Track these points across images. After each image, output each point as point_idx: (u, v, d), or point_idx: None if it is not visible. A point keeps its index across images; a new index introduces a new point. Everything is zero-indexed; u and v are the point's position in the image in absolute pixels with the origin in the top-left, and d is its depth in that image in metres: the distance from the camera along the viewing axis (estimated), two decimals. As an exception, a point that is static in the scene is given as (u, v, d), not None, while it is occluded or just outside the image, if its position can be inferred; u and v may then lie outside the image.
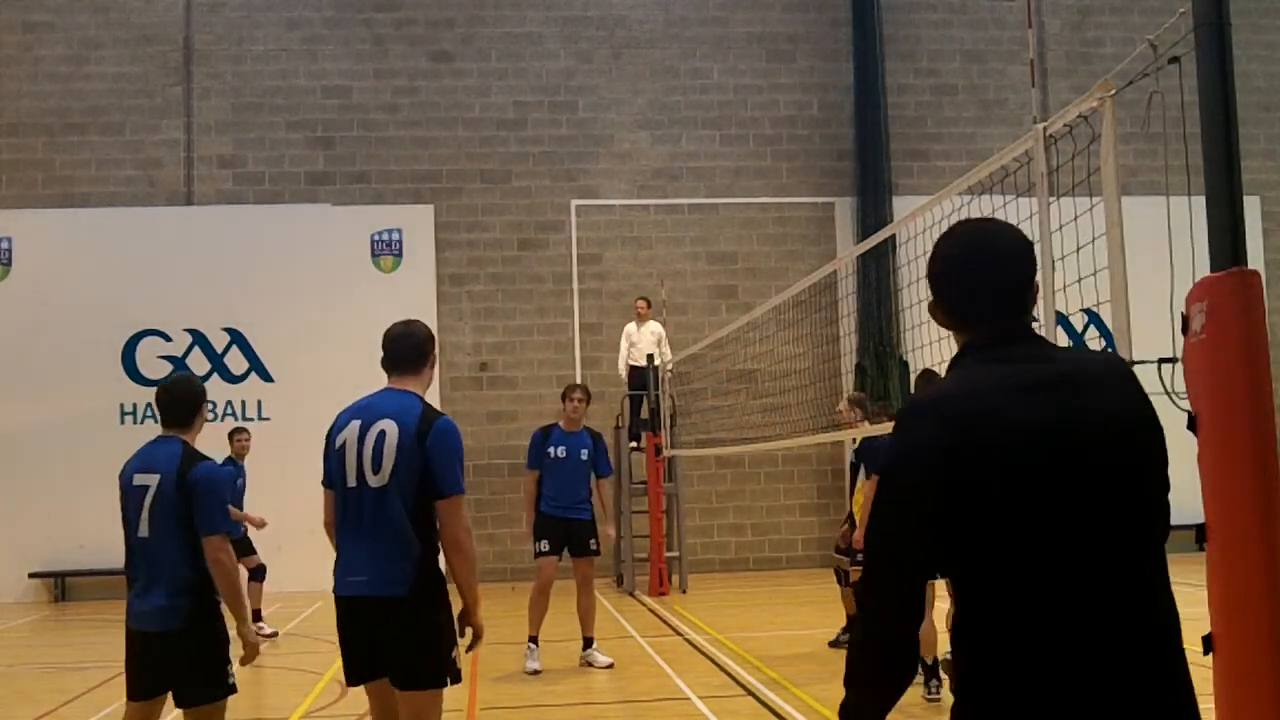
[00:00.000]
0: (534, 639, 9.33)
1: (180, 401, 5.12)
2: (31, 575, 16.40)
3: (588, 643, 9.61)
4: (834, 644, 9.68)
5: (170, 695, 5.00)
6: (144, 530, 4.92)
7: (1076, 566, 2.06)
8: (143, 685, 4.94)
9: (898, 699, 2.21)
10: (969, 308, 2.28)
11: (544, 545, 9.37)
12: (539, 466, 9.52)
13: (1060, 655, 2.05)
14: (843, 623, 9.85)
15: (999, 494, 2.06)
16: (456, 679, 4.59)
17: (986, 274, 2.26)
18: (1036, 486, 2.06)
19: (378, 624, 4.53)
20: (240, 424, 12.47)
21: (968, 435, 2.07)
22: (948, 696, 7.63)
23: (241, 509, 11.92)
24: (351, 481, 4.58)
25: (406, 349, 4.80)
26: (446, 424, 4.59)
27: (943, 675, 7.76)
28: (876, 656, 2.17)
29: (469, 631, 4.77)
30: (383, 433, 4.55)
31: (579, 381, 17.36)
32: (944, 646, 7.73)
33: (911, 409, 2.21)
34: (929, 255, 2.39)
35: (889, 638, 2.16)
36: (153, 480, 4.93)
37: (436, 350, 5.00)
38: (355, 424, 4.63)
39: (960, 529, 2.08)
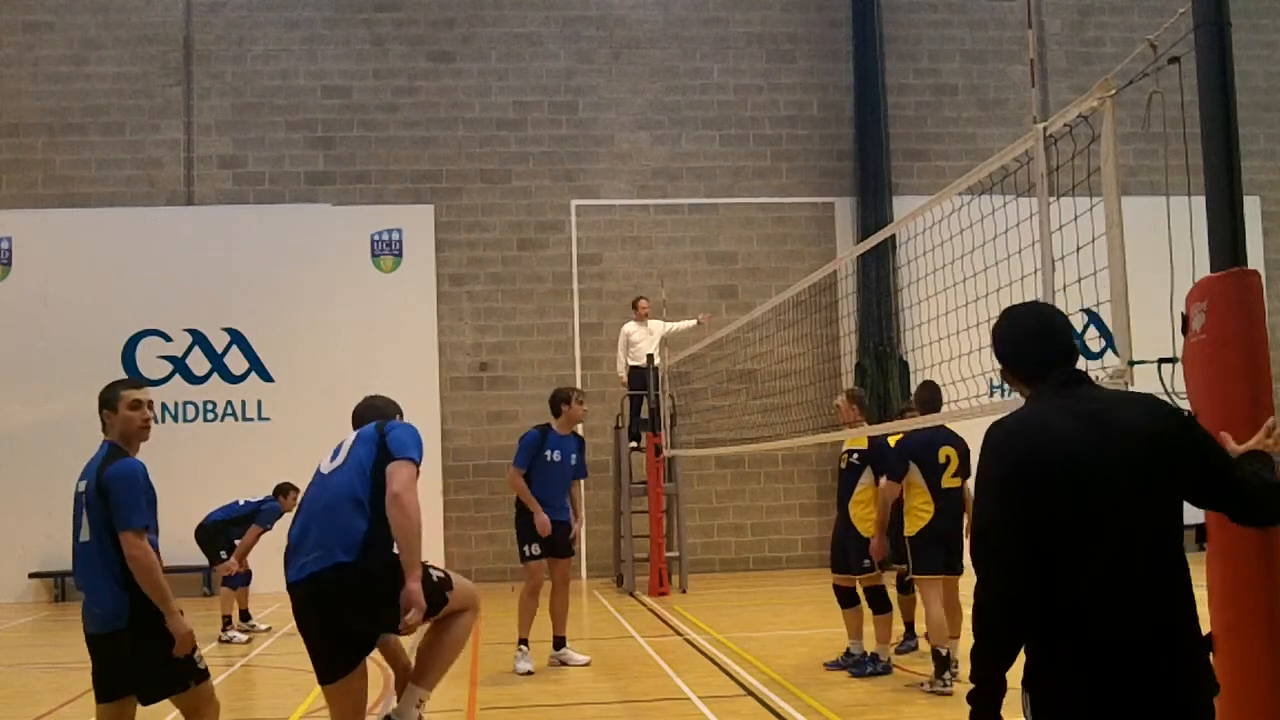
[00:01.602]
0: (525, 641, 9.31)
1: (99, 407, 5.28)
2: (31, 575, 16.41)
3: (561, 642, 9.60)
4: (833, 666, 8.92)
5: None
6: (85, 534, 5.01)
7: (1102, 542, 2.77)
8: (104, 687, 4.97)
9: (1020, 647, 2.82)
10: (1032, 369, 3.07)
11: (536, 549, 9.31)
12: (529, 467, 9.36)
13: (1079, 613, 2.76)
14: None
15: (1052, 485, 2.79)
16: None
17: (1041, 346, 3.07)
18: (1077, 481, 2.79)
19: (324, 593, 4.61)
20: (291, 482, 11.97)
21: (1031, 444, 2.86)
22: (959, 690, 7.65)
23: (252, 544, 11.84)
24: (314, 477, 4.96)
25: (374, 412, 5.28)
26: (406, 423, 5.01)
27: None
28: (1001, 612, 2.80)
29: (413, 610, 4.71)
30: (346, 440, 4.99)
31: (580, 382, 17.45)
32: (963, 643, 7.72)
33: (993, 429, 2.93)
34: (992, 336, 3.22)
35: (1007, 595, 2.79)
36: (84, 485, 5.07)
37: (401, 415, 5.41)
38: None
39: (1029, 510, 2.80)
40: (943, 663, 7.74)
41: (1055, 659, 2.78)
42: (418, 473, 4.74)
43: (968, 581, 8.02)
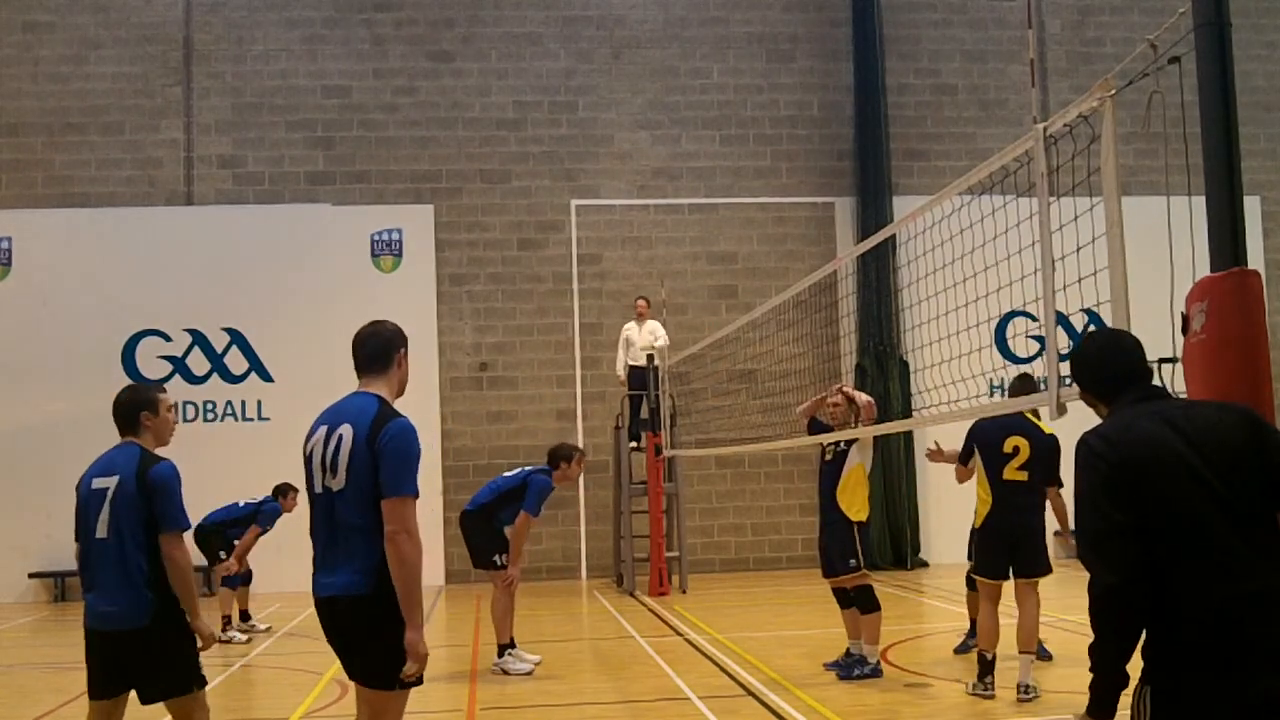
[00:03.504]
0: (513, 642, 9.49)
1: (126, 409, 5.22)
2: (31, 575, 16.41)
3: (506, 648, 9.59)
4: (833, 666, 8.86)
5: (134, 693, 5.03)
6: (102, 532, 5.00)
7: (1196, 522, 2.91)
8: (108, 684, 4.99)
9: (1136, 638, 2.93)
10: (1111, 386, 3.25)
11: (506, 559, 9.52)
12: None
13: (1186, 582, 2.89)
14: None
15: (1149, 483, 2.96)
16: (406, 685, 4.30)
17: (1112, 366, 3.28)
18: (1171, 477, 2.95)
19: (342, 623, 4.46)
20: (290, 483, 11.98)
21: (1120, 445, 3.03)
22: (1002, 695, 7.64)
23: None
24: (318, 488, 4.48)
25: (370, 350, 4.80)
26: (400, 425, 4.46)
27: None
28: (1117, 606, 2.93)
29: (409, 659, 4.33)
30: (341, 436, 4.48)
31: (580, 382, 17.47)
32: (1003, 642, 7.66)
33: (1087, 436, 3.10)
34: (1072, 360, 3.38)
35: (1122, 590, 2.92)
36: (112, 482, 5.03)
37: (405, 349, 4.89)
38: (323, 430, 4.57)
39: (1134, 508, 2.95)
40: (986, 666, 7.66)
41: (1175, 654, 2.90)
42: (415, 497, 4.37)
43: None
